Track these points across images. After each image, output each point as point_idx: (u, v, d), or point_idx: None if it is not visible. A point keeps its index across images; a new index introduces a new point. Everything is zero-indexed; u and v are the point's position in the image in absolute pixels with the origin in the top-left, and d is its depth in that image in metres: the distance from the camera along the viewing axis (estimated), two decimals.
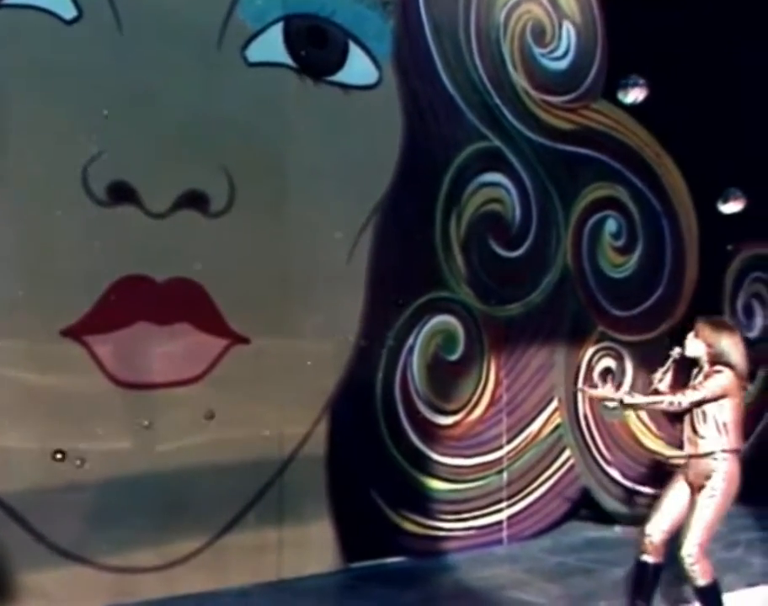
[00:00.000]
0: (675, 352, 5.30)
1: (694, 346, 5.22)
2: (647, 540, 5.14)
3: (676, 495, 5.17)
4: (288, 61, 6.60)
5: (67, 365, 5.66)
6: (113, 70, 5.89)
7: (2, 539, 5.40)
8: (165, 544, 5.93)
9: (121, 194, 5.82)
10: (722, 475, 4.94)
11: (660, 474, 8.56)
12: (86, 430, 5.69)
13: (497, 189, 7.74)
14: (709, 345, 5.14)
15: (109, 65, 5.88)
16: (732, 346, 5.13)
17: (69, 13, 5.73)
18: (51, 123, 5.67)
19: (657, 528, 5.13)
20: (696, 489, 5.00)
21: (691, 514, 4.91)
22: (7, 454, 5.45)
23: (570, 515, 8.16)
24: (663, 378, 5.33)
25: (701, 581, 4.85)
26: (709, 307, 9.01)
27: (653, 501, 8.54)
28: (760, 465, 8.88)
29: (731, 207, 9.21)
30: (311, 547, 6.57)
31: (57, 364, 5.63)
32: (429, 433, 7.22)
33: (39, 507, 5.52)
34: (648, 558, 5.15)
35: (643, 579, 5.21)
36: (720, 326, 5.31)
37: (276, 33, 6.54)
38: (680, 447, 5.30)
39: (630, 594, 5.28)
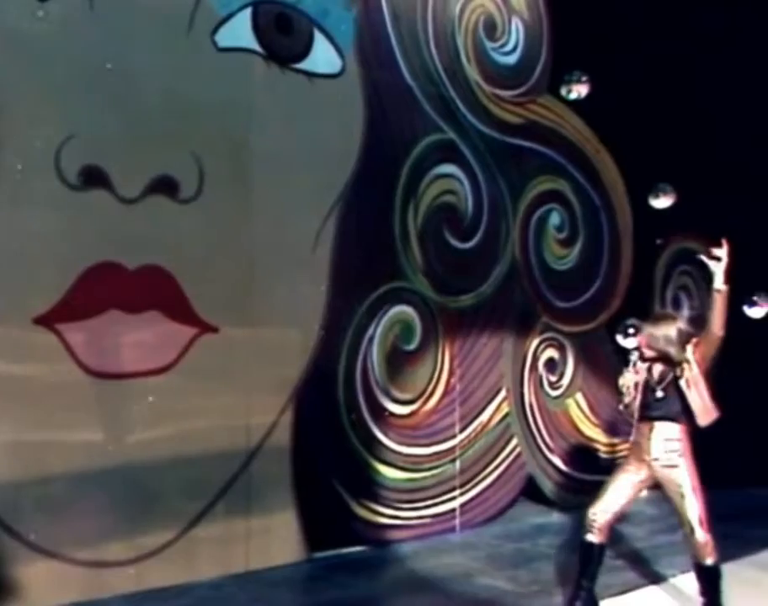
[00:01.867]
0: (633, 356, 5.43)
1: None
2: (592, 521, 5.28)
3: (623, 479, 5.31)
4: (256, 47, 6.52)
5: (39, 354, 5.48)
6: (84, 49, 5.73)
7: None
8: (136, 537, 5.81)
9: (93, 178, 5.67)
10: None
11: (597, 461, 8.88)
12: (57, 421, 5.52)
13: (451, 181, 7.83)
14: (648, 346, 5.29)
15: (80, 44, 5.71)
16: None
17: None
18: (22, 102, 5.46)
19: (602, 510, 5.29)
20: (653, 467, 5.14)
21: (681, 502, 5.06)
22: None
23: (515, 502, 8.30)
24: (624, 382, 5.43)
25: (711, 560, 5.02)
26: (641, 299, 9.37)
27: (591, 486, 8.90)
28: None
29: (661, 202, 9.47)
30: (277, 538, 6.54)
31: (29, 352, 5.44)
32: (387, 422, 7.26)
33: (8, 499, 5.32)
34: (593, 538, 5.30)
35: (589, 560, 5.36)
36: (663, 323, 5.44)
37: (245, 18, 6.46)
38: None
39: (577, 575, 5.41)
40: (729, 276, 5.27)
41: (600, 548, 5.29)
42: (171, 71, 6.10)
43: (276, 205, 6.55)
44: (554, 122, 8.79)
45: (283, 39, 6.66)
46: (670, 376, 5.25)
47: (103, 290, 5.69)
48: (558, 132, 8.83)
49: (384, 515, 7.19)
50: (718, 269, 5.21)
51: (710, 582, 5.16)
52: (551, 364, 8.67)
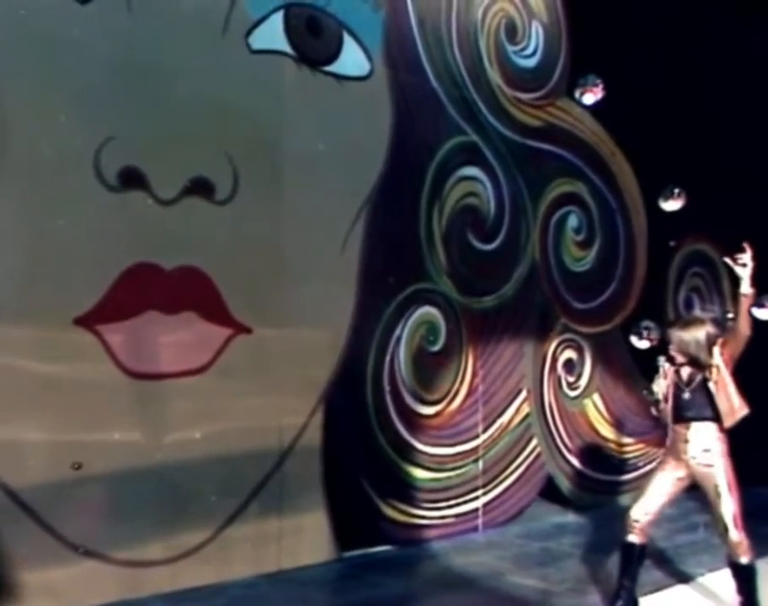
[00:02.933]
0: (662, 361, 5.51)
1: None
2: (633, 523, 5.37)
3: (662, 479, 5.39)
4: (287, 49, 6.56)
5: (79, 354, 5.50)
6: (123, 52, 5.75)
7: (14, 534, 5.20)
8: (171, 536, 5.84)
9: (132, 179, 5.69)
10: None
11: (612, 461, 8.95)
12: (97, 420, 5.56)
13: (474, 183, 7.88)
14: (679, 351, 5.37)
15: (119, 47, 5.73)
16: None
17: None
18: (64, 104, 5.48)
19: (643, 511, 5.38)
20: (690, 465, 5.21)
21: (717, 501, 5.13)
22: (19, 446, 5.27)
23: (534, 502, 8.37)
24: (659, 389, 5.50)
25: (746, 558, 5.09)
26: (656, 301, 9.46)
27: (606, 486, 8.98)
28: None
29: (671, 204, 9.54)
30: (307, 538, 6.57)
31: (70, 352, 5.46)
32: (414, 422, 7.31)
33: (50, 500, 5.35)
34: (635, 539, 5.41)
35: (630, 560, 5.44)
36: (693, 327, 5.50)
37: (277, 21, 6.50)
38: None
39: (619, 573, 5.49)
40: (755, 279, 5.36)
41: (642, 548, 5.38)
42: (206, 73, 6.12)
43: (307, 207, 6.59)
44: (571, 125, 8.86)
45: (313, 41, 6.70)
46: (699, 378, 5.32)
47: (141, 291, 5.72)
48: (575, 135, 8.89)
49: (410, 515, 7.24)
50: (744, 274, 5.29)
51: (745, 580, 5.22)
52: (569, 365, 8.73)
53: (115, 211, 5.65)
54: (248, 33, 6.34)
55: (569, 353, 8.74)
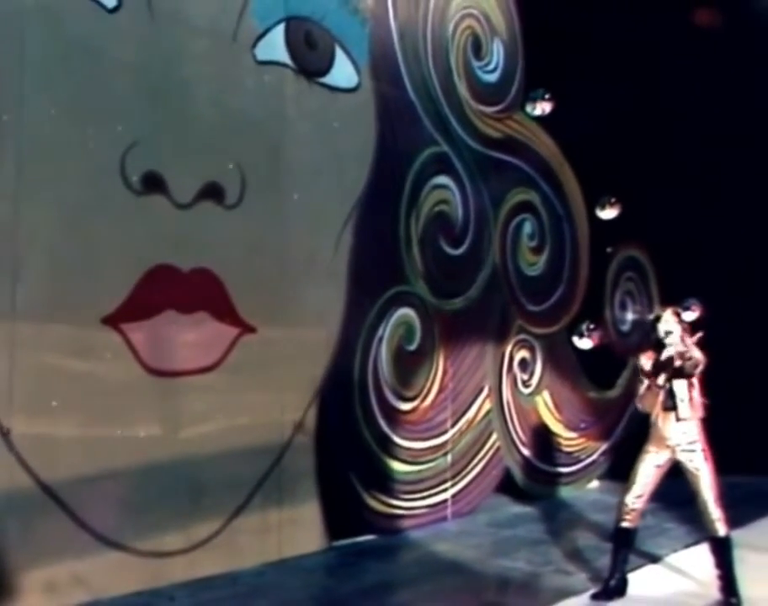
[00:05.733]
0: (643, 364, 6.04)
1: (674, 328, 5.94)
2: (629, 509, 5.87)
3: (648, 464, 5.90)
4: (288, 61, 6.86)
5: (106, 352, 5.69)
6: (145, 60, 5.96)
7: (46, 526, 5.37)
8: (188, 527, 6.07)
9: (153, 183, 5.91)
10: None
11: (560, 454, 9.54)
12: (121, 416, 5.75)
13: (445, 191, 8.33)
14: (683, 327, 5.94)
15: (142, 55, 5.94)
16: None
17: (111, 1, 5.73)
18: (92, 111, 5.66)
19: (636, 496, 5.88)
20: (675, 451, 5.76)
21: (696, 480, 5.68)
22: (50, 440, 5.42)
23: (492, 493, 8.87)
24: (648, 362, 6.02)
25: (723, 531, 5.65)
26: (595, 303, 10.12)
27: (555, 477, 9.55)
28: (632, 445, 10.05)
29: (608, 213, 10.24)
30: (304, 527, 6.89)
31: (98, 351, 5.65)
32: (393, 418, 7.70)
33: (77, 491, 5.52)
34: (628, 525, 5.91)
35: (623, 543, 5.97)
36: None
37: (279, 33, 6.80)
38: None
39: (612, 555, 6.00)
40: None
41: (634, 532, 5.88)
42: (217, 82, 6.39)
43: (304, 212, 6.90)
44: (527, 137, 9.41)
45: (310, 54, 7.03)
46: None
47: (160, 291, 5.94)
48: (530, 147, 9.45)
49: (390, 505, 7.63)
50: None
51: (723, 552, 5.78)
52: (523, 364, 9.27)
53: (138, 215, 5.86)
54: (254, 44, 6.60)
55: (524, 353, 9.28)
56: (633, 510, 5.85)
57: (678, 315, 6.07)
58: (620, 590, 5.84)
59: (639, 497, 5.86)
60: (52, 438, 5.43)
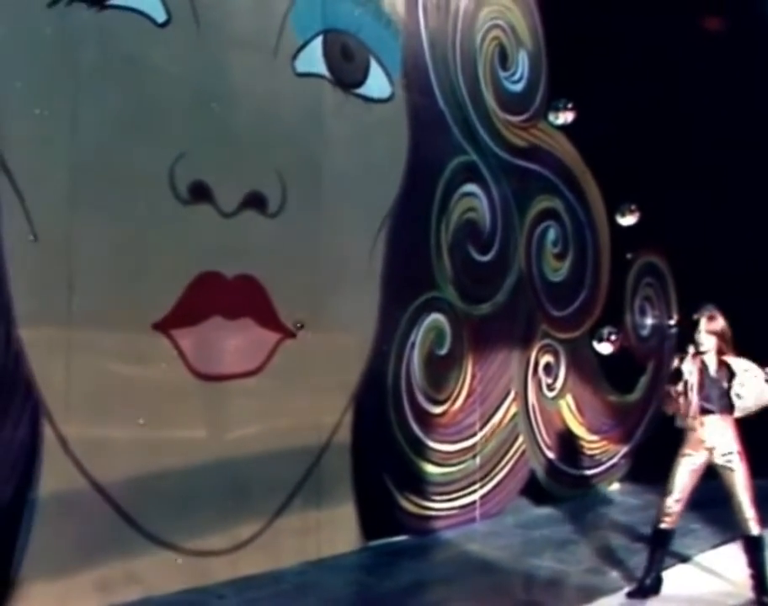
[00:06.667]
0: (690, 349, 6.19)
1: (707, 340, 6.10)
2: (669, 510, 6.04)
3: (685, 466, 6.06)
4: (326, 73, 7.03)
5: (157, 357, 5.87)
6: (192, 73, 6.14)
7: (101, 525, 5.55)
8: (232, 527, 6.25)
9: (200, 193, 6.08)
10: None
11: (583, 457, 9.71)
12: (171, 419, 5.94)
13: (473, 199, 8.50)
14: (720, 337, 6.07)
15: (189, 67, 6.12)
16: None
17: (161, 16, 5.91)
18: (143, 122, 5.84)
19: (676, 499, 6.05)
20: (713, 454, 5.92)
21: (732, 481, 5.85)
22: (104, 443, 5.60)
23: (518, 495, 9.05)
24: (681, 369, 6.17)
25: (757, 530, 5.82)
26: (616, 309, 10.29)
27: (578, 480, 9.71)
28: (651, 448, 10.24)
29: (628, 220, 10.41)
30: (341, 528, 7.06)
31: (149, 356, 5.83)
32: (425, 421, 7.87)
33: (130, 493, 5.69)
34: (667, 526, 6.08)
35: (661, 543, 6.15)
36: (717, 319, 6.22)
37: (317, 46, 6.97)
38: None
39: (649, 555, 6.18)
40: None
41: (672, 533, 6.06)
42: (260, 94, 6.56)
43: (341, 220, 7.08)
44: (551, 145, 9.58)
45: (346, 65, 7.19)
46: (723, 368, 6.01)
47: (207, 298, 6.12)
48: (554, 154, 9.62)
49: (422, 507, 7.80)
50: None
51: (756, 551, 5.95)
52: (548, 368, 9.44)
53: (186, 223, 6.04)
54: (294, 57, 6.78)
55: (548, 357, 9.45)
56: (673, 512, 6.01)
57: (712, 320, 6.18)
58: (655, 588, 6.02)
59: (678, 500, 6.01)
60: (106, 441, 5.61)
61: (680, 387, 6.07)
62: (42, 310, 5.34)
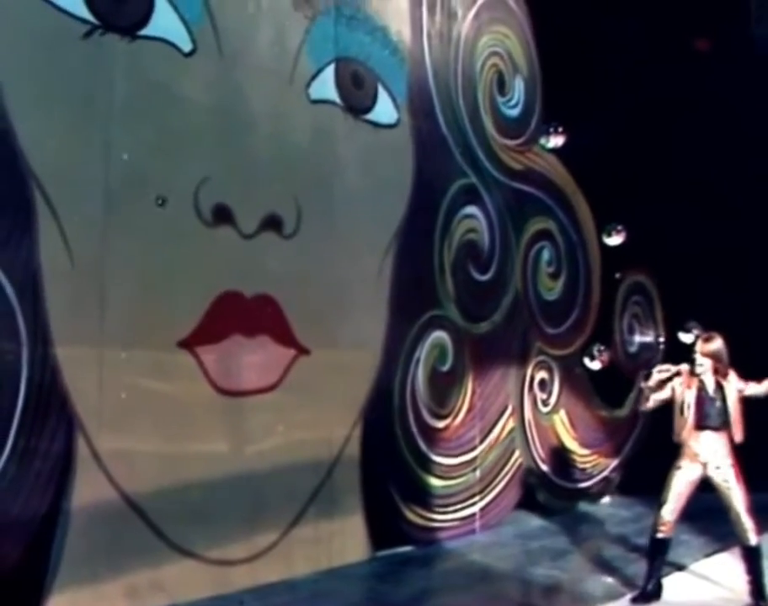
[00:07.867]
0: (683, 367, 6.52)
1: (703, 362, 6.42)
2: (666, 521, 6.34)
3: (680, 478, 6.36)
4: (337, 99, 7.32)
5: (182, 374, 6.11)
6: (215, 99, 6.41)
7: (128, 534, 5.77)
8: (250, 537, 6.48)
9: (222, 215, 6.33)
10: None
11: (575, 470, 10.01)
12: (194, 433, 6.17)
13: (473, 221, 8.82)
14: (715, 358, 6.39)
15: (212, 94, 6.39)
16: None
17: (187, 46, 6.18)
18: (170, 147, 6.10)
19: (671, 510, 6.35)
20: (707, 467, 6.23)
21: (728, 494, 6.16)
22: (133, 455, 5.83)
23: (515, 507, 9.33)
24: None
25: (754, 540, 6.13)
26: (605, 327, 10.62)
27: (571, 493, 10.01)
28: (640, 461, 10.58)
29: (614, 240, 10.76)
30: (351, 538, 7.31)
31: (174, 373, 6.07)
32: (429, 435, 8.15)
33: (156, 503, 5.92)
34: (664, 535, 6.38)
35: (659, 551, 6.44)
36: (712, 340, 6.53)
37: (330, 73, 7.26)
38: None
39: (648, 562, 6.48)
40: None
41: (669, 541, 6.35)
42: (277, 120, 6.84)
43: (351, 242, 7.35)
44: (544, 168, 9.92)
45: (356, 92, 7.49)
46: (720, 388, 6.33)
47: (228, 316, 6.36)
48: (548, 177, 9.97)
49: (426, 518, 8.07)
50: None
51: (754, 559, 6.25)
52: (542, 384, 9.75)
53: (210, 244, 6.29)
54: (308, 84, 7.07)
55: (543, 373, 9.76)
56: (669, 521, 6.31)
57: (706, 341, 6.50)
58: (656, 594, 6.31)
59: (673, 510, 6.31)
60: (134, 454, 5.84)
61: (676, 407, 6.40)
62: (76, 330, 5.56)
